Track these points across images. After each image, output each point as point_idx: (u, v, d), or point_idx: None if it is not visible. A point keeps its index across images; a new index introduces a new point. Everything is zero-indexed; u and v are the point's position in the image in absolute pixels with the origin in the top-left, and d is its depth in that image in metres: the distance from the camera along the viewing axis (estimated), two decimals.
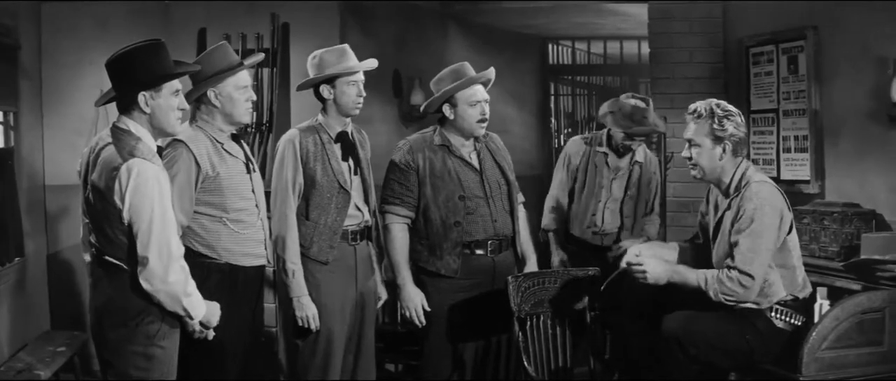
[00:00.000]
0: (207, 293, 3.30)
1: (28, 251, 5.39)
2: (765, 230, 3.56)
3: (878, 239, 4.24)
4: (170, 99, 3.14)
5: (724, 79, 5.70)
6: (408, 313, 4.11)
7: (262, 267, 3.78)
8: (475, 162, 4.17)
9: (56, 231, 5.70)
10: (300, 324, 3.91)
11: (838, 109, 4.83)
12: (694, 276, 3.62)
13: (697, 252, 3.97)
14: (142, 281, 3.03)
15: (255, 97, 3.77)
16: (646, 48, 6.11)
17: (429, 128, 4.24)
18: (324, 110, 3.99)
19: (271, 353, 5.29)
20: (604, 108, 4.96)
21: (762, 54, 5.30)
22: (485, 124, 4.14)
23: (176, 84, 3.17)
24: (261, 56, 4.05)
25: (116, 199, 3.02)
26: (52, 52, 5.70)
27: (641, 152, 5.00)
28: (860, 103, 4.68)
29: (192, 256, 3.45)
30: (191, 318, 3.16)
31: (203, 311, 3.19)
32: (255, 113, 5.52)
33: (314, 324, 3.91)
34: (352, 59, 3.94)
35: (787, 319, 3.66)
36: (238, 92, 3.64)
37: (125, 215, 3.02)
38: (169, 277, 3.02)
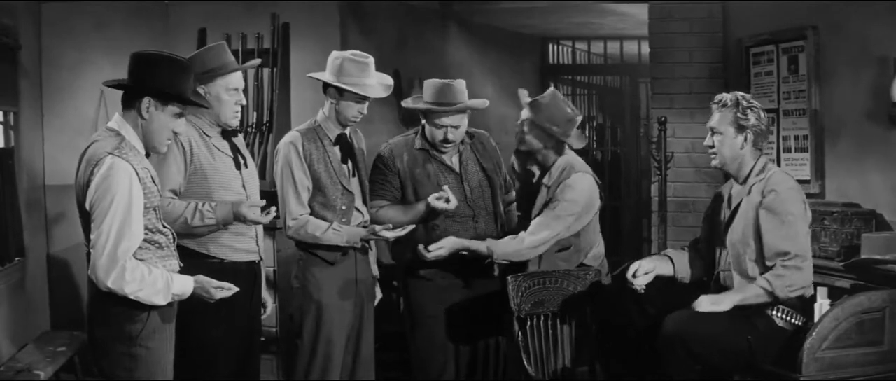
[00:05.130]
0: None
1: (28, 251, 5.39)
2: (799, 215, 3.66)
3: (878, 239, 4.24)
4: (169, 118, 3.12)
5: (724, 78, 5.70)
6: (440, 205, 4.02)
7: (254, 263, 3.76)
8: (456, 166, 4.18)
9: (56, 231, 5.69)
10: (383, 233, 3.88)
11: (838, 109, 4.83)
12: (752, 291, 3.64)
13: (703, 259, 3.97)
14: (89, 274, 3.00)
15: (244, 102, 3.72)
16: (646, 48, 6.12)
17: (411, 130, 4.24)
18: (324, 111, 3.99)
19: (271, 353, 5.29)
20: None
21: (762, 54, 5.30)
22: (448, 145, 4.11)
23: (179, 109, 3.14)
24: (256, 61, 4.08)
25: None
26: (52, 53, 5.70)
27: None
28: (860, 103, 4.68)
29: (181, 253, 3.45)
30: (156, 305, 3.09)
31: (164, 300, 3.07)
32: (255, 113, 5.52)
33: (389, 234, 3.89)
34: (370, 78, 3.89)
35: (788, 318, 3.67)
36: (227, 94, 3.63)
37: (87, 203, 3.00)
38: (108, 279, 2.97)
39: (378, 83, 3.94)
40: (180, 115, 3.15)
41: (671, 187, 5.69)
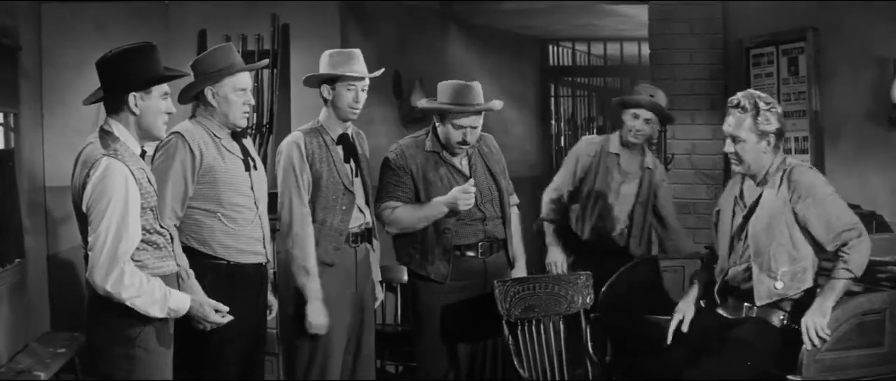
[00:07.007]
0: (205, 292, 3.29)
1: (28, 252, 5.39)
2: (834, 192, 3.61)
3: (879, 240, 4.23)
4: (159, 102, 3.12)
5: (725, 80, 5.71)
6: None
7: (261, 265, 3.76)
8: (466, 169, 4.18)
9: (56, 232, 5.70)
10: (309, 331, 3.88)
11: (838, 111, 4.83)
12: (839, 286, 3.58)
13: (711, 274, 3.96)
14: (87, 276, 2.99)
15: (252, 102, 3.74)
16: (646, 49, 6.13)
17: (421, 131, 4.24)
18: (325, 111, 4.00)
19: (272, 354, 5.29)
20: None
21: (762, 55, 5.30)
22: (466, 147, 4.12)
23: (165, 87, 3.14)
24: (265, 62, 4.14)
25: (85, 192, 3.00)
26: (52, 53, 5.70)
27: (651, 159, 4.86)
28: (860, 104, 4.68)
29: (188, 254, 3.44)
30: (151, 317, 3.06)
31: (160, 312, 3.05)
32: (255, 114, 5.52)
33: (322, 331, 3.88)
34: (357, 65, 3.92)
35: (788, 323, 3.65)
36: (235, 94, 3.63)
37: (83, 205, 2.99)
38: (107, 282, 2.95)
39: (363, 70, 3.96)
40: (166, 94, 3.15)
41: (671, 189, 5.69)
